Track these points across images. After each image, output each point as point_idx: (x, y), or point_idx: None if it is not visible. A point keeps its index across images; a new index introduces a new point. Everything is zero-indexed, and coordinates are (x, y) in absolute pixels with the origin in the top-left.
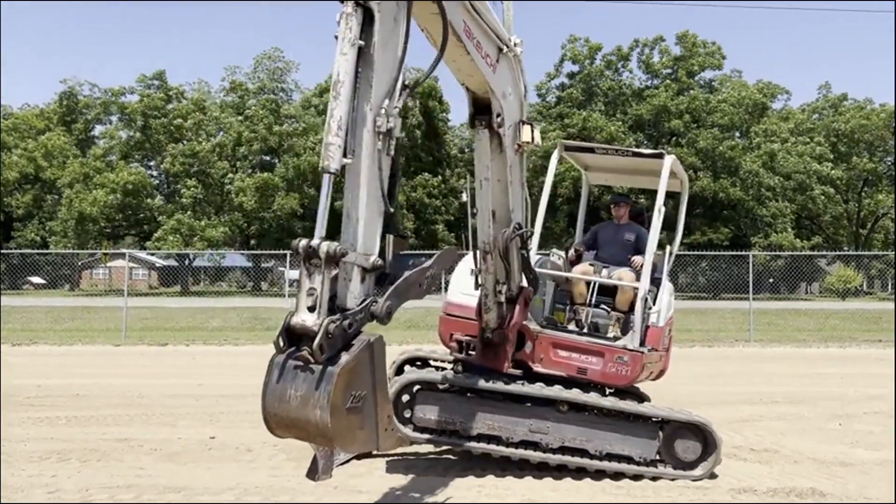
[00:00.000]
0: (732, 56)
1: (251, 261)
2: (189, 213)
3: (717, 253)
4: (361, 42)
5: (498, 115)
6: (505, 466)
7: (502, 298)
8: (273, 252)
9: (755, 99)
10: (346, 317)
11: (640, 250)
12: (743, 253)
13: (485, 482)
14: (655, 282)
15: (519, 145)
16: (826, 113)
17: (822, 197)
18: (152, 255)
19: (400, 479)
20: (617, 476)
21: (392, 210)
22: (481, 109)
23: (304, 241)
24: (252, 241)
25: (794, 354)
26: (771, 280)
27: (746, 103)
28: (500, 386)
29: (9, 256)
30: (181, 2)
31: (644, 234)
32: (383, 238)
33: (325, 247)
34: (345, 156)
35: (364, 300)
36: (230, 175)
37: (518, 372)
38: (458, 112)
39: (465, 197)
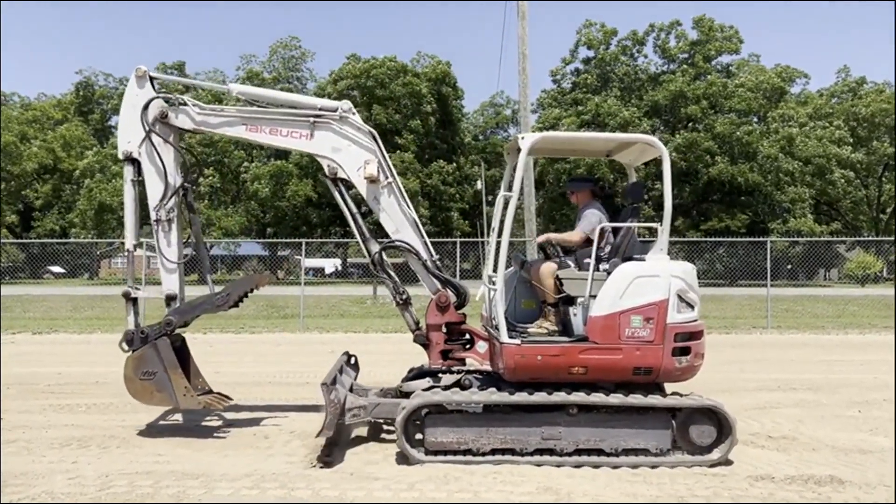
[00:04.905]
0: (750, 40)
1: (267, 249)
2: (206, 202)
3: (734, 239)
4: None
5: (328, 167)
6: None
7: (400, 300)
8: (289, 241)
9: (773, 83)
10: (144, 329)
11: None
12: (761, 239)
13: (500, 469)
14: (614, 264)
15: (370, 179)
16: (845, 97)
17: (842, 181)
18: None
19: (415, 466)
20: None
21: (185, 259)
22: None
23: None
24: (268, 230)
25: (813, 341)
26: (789, 266)
27: (764, 88)
28: (505, 397)
29: (29, 246)
30: None
31: (585, 212)
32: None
33: (126, 291)
34: (136, 239)
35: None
36: (246, 164)
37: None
38: (472, 99)
39: (479, 184)
